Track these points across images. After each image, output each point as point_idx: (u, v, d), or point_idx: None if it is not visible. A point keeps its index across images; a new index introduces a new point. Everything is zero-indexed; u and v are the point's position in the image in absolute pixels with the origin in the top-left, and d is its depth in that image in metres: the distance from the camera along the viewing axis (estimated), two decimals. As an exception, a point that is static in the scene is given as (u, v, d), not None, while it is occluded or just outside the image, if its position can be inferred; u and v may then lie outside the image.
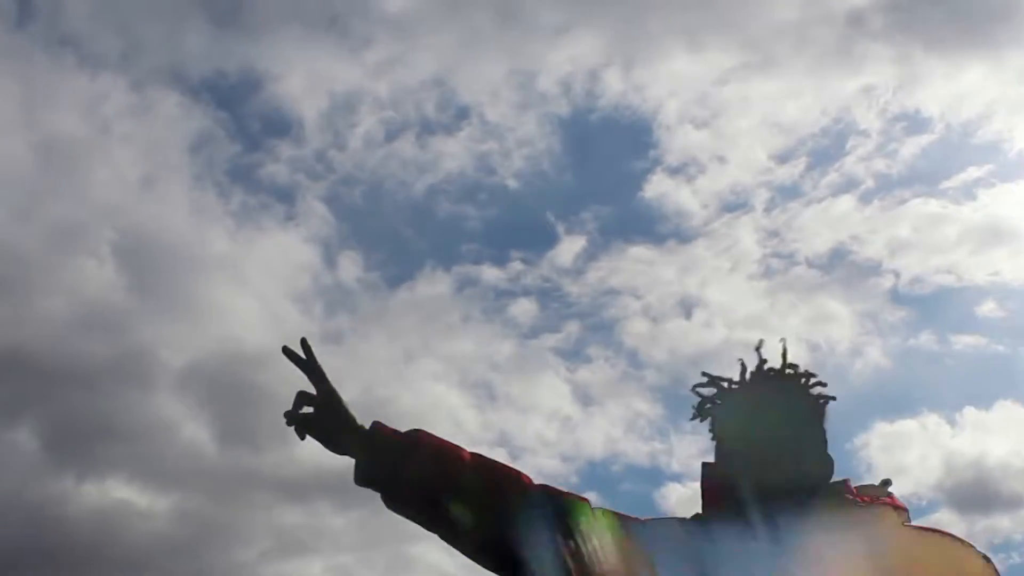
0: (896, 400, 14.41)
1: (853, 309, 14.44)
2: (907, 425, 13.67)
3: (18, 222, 13.99)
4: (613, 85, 14.33)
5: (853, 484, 1.64)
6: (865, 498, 1.63)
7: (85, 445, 13.13)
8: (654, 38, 15.27)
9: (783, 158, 14.78)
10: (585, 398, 14.19)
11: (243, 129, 14.97)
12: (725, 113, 15.23)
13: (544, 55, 15.51)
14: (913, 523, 1.61)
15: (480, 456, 1.68)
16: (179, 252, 14.62)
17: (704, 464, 1.68)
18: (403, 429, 1.68)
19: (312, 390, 1.66)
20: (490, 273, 14.15)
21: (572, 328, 14.36)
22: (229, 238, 14.53)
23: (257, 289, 14.83)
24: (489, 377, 14.15)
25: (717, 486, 1.65)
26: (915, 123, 15.08)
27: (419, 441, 1.66)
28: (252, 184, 14.54)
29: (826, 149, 15.22)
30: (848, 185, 14.43)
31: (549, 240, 15.47)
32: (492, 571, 1.65)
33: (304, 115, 14.84)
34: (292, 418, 1.64)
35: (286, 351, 1.66)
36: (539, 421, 13.89)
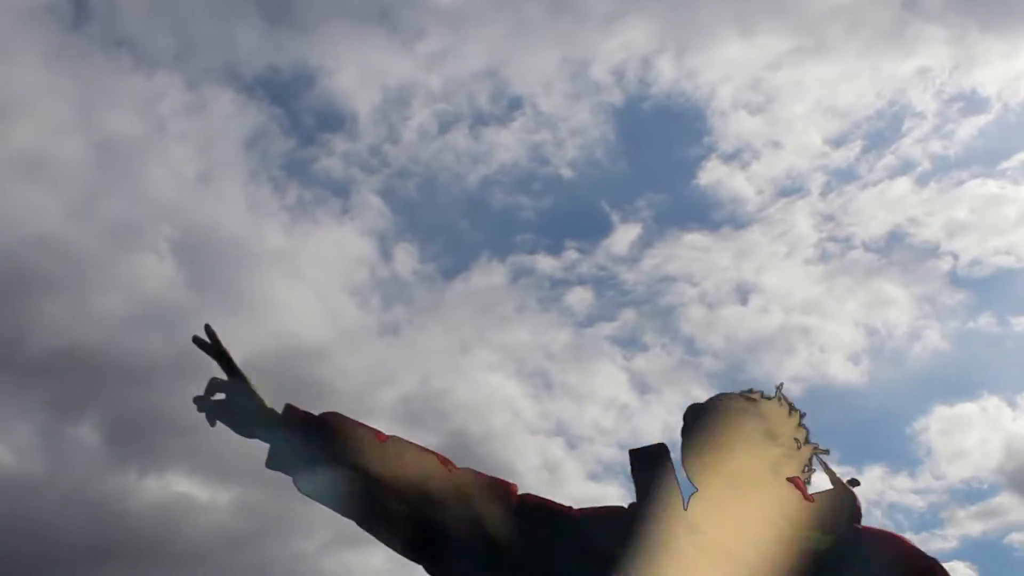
0: (956, 383, 13.99)
1: (911, 292, 14.04)
2: (967, 408, 13.29)
3: (77, 221, 14.33)
4: (666, 72, 14.10)
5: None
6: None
7: (146, 440, 13.40)
8: (706, 24, 14.98)
9: (838, 142, 14.39)
10: (642, 386, 14.04)
11: (297, 124, 15.08)
12: (779, 98, 14.87)
13: (596, 44, 15.30)
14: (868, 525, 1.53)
15: (397, 438, 1.63)
16: (236, 247, 14.85)
17: (631, 451, 1.61)
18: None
19: (224, 376, 1.64)
20: (545, 263, 14.07)
21: (628, 316, 14.23)
22: (285, 233, 14.70)
23: (314, 283, 14.99)
24: (545, 366, 14.09)
25: (648, 474, 1.59)
26: (972, 103, 14.56)
27: (331, 422, 1.62)
28: (307, 179, 14.67)
29: (881, 132, 14.77)
30: (904, 167, 14.01)
31: (604, 228, 15.33)
32: (408, 556, 1.60)
33: (357, 109, 14.92)
34: (202, 404, 1.62)
35: (195, 340, 1.64)
36: (596, 409, 13.79)
